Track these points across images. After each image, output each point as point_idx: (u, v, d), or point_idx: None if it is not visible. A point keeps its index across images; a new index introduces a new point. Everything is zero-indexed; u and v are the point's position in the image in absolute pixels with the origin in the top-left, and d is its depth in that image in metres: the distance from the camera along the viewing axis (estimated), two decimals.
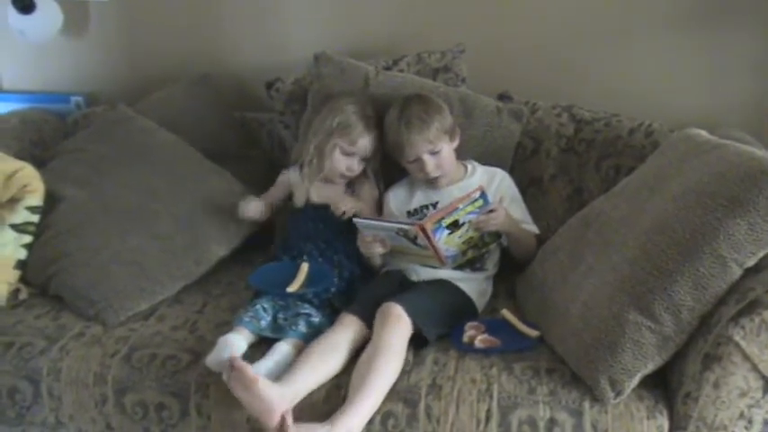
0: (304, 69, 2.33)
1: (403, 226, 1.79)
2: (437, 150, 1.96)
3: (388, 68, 2.25)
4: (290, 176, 2.16)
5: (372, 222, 1.90)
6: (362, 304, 1.80)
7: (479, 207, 1.84)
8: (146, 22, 2.64)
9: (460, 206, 1.81)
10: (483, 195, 1.85)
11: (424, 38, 2.37)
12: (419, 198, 2.05)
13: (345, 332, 1.72)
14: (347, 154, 2.04)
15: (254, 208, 2.07)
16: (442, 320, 1.78)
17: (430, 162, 1.96)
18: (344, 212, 2.01)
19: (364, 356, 1.65)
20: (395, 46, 2.40)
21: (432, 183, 2.01)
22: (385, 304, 1.73)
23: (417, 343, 1.72)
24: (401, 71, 2.25)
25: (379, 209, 2.12)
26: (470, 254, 1.92)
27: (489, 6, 2.37)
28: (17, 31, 2.59)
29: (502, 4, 2.37)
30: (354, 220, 1.92)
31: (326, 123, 2.05)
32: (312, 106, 2.18)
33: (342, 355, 1.68)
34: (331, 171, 2.07)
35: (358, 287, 1.94)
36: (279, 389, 1.55)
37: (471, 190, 1.86)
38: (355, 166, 2.06)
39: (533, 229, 2.02)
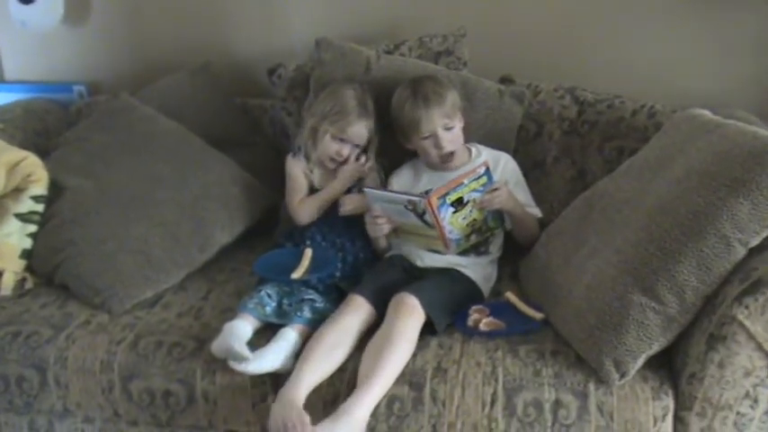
0: (306, 55, 2.32)
1: (413, 198, 1.80)
2: (451, 126, 1.97)
3: (389, 53, 2.24)
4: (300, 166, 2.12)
5: (382, 193, 1.90)
6: (371, 288, 1.80)
7: (483, 185, 1.85)
8: (147, 11, 2.63)
9: (465, 181, 1.81)
10: (487, 172, 1.85)
11: (426, 22, 2.35)
12: (425, 182, 2.05)
13: (355, 315, 1.73)
14: (338, 139, 2.04)
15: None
16: (452, 310, 1.78)
17: (445, 137, 1.96)
18: (347, 210, 2.02)
19: (375, 344, 1.65)
20: (396, 30, 2.39)
21: (445, 161, 1.99)
22: (399, 294, 1.73)
23: (425, 331, 1.71)
24: (402, 55, 2.24)
25: None
26: (474, 239, 1.92)
27: None
28: (18, 22, 2.60)
29: None
30: (364, 189, 1.93)
31: (323, 106, 2.06)
32: (314, 92, 2.17)
33: (350, 342, 1.69)
34: (321, 154, 2.07)
35: (364, 271, 1.95)
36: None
37: (477, 165, 1.86)
38: (345, 152, 2.05)
39: (536, 212, 2.02)
